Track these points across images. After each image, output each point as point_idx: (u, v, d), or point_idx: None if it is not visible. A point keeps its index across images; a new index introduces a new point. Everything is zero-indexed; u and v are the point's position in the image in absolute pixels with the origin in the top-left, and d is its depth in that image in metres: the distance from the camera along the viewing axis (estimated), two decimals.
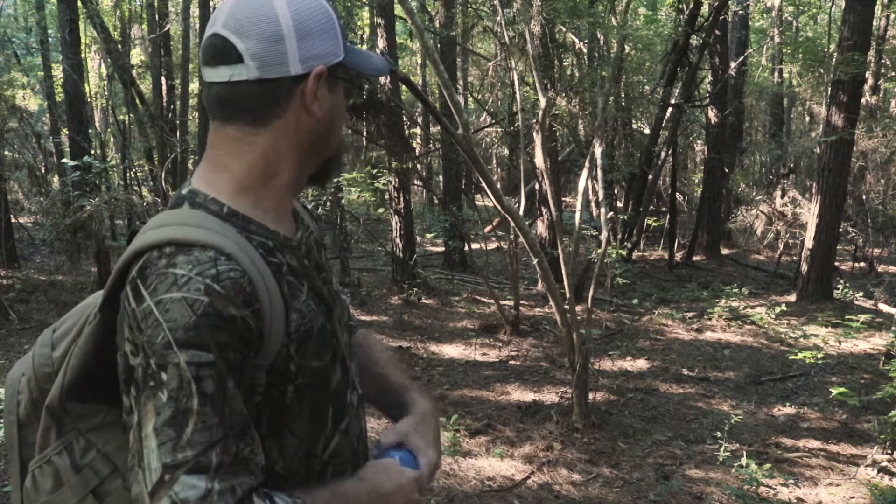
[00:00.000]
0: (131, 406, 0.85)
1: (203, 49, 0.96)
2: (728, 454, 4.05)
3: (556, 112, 7.75)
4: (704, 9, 10.43)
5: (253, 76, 0.92)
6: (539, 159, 5.95)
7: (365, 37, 14.40)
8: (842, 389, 4.50)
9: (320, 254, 1.10)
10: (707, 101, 12.54)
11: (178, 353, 0.82)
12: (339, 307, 1.10)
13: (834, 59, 9.40)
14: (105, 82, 16.60)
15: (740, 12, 13.96)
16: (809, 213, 9.45)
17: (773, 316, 7.72)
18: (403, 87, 9.82)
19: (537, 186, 9.44)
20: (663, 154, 11.48)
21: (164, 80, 15.25)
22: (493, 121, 11.54)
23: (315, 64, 0.94)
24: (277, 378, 0.92)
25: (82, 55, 10.96)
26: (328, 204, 9.62)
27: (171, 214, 0.93)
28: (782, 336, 7.21)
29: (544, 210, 9.00)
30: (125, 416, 0.86)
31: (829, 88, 9.76)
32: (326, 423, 1.00)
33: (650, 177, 11.39)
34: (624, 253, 9.79)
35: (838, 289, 9.13)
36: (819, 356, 5.59)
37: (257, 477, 0.86)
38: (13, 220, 9.63)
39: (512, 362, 6.25)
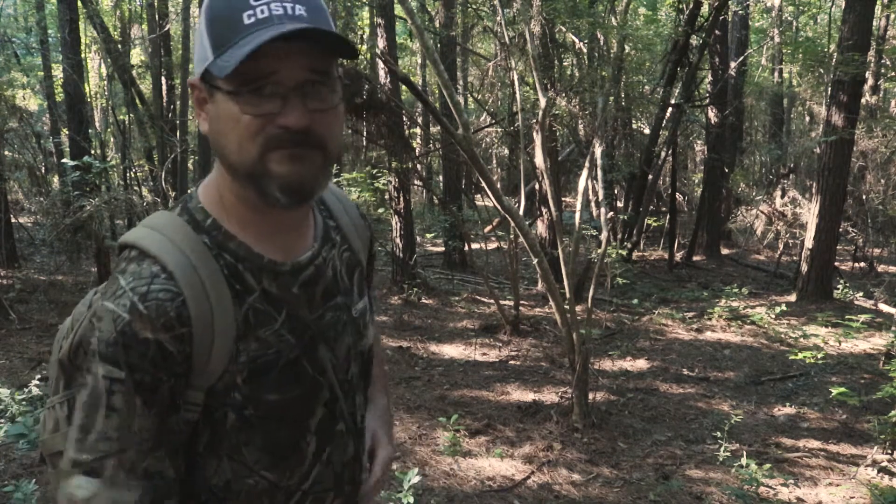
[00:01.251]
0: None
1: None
2: (728, 454, 4.05)
3: (556, 112, 7.75)
4: (704, 9, 10.42)
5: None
6: (539, 159, 5.95)
7: (365, 37, 14.38)
8: (842, 389, 4.50)
9: (342, 276, 1.04)
10: (707, 101, 12.54)
11: (98, 364, 0.85)
12: (348, 336, 1.04)
13: (834, 59, 9.40)
14: (105, 82, 16.60)
15: (740, 12, 13.96)
16: (809, 213, 9.45)
17: (773, 316, 7.71)
18: (403, 87, 9.82)
19: (537, 186, 9.44)
20: (663, 154, 11.48)
21: (164, 80, 15.25)
22: (493, 121, 11.54)
23: (195, 74, 0.91)
24: (216, 402, 0.92)
25: (82, 55, 10.96)
26: None
27: (158, 216, 0.95)
28: (782, 336, 7.21)
29: (544, 210, 9.00)
30: None
31: (829, 88, 9.76)
32: (302, 456, 0.99)
33: (650, 177, 11.39)
34: (624, 253, 9.79)
35: (838, 289, 9.13)
36: (819, 356, 5.60)
37: (160, 492, 0.87)
38: (13, 220, 9.63)
39: (512, 362, 6.25)
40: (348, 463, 1.06)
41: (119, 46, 14.07)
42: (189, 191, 0.98)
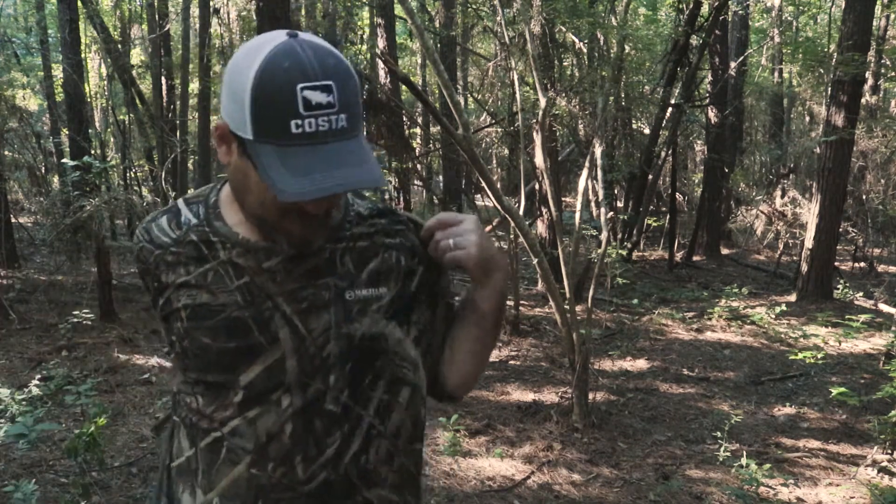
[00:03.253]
0: None
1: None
2: (728, 454, 4.05)
3: (556, 112, 7.75)
4: (704, 9, 10.43)
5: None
6: (539, 159, 5.95)
7: (365, 37, 14.39)
8: (842, 389, 4.50)
9: (341, 262, 1.12)
10: (707, 101, 12.55)
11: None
12: (327, 315, 1.09)
13: (834, 59, 9.40)
14: (105, 82, 16.60)
15: (740, 12, 13.97)
16: (809, 213, 9.45)
17: (773, 316, 7.71)
18: (403, 87, 9.82)
19: (537, 186, 9.44)
20: (663, 154, 11.49)
21: (164, 80, 15.24)
22: (493, 121, 11.54)
23: (224, 116, 0.99)
24: (168, 324, 1.13)
25: (82, 55, 10.96)
26: None
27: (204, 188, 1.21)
28: (782, 336, 7.21)
29: (544, 210, 9.01)
30: None
31: (829, 88, 9.77)
32: (226, 401, 1.08)
33: (650, 177, 11.39)
34: (624, 253, 9.79)
35: (838, 289, 9.12)
36: (819, 356, 5.59)
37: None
38: (13, 220, 9.62)
39: (512, 362, 6.25)
40: (307, 441, 1.08)
41: (119, 46, 14.06)
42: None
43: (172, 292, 1.10)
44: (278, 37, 0.95)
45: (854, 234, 11.32)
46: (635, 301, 8.76)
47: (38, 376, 4.72)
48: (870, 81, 13.00)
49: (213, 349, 1.08)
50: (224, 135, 1.00)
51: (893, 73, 14.57)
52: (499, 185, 5.00)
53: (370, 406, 1.12)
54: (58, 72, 14.21)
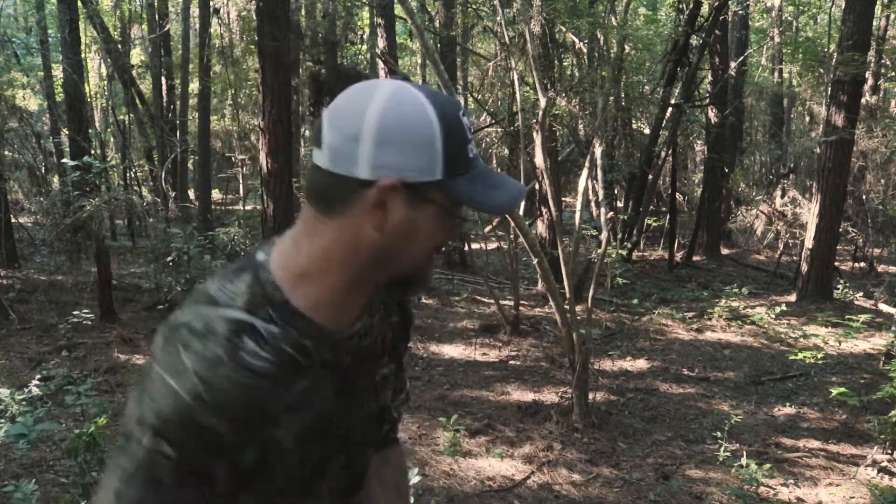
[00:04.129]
0: None
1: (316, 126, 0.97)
2: (728, 454, 4.05)
3: (556, 112, 7.75)
4: (704, 9, 10.43)
5: (325, 165, 0.89)
6: (539, 159, 5.95)
7: (365, 37, 14.39)
8: (842, 389, 4.50)
9: (378, 342, 1.05)
10: (707, 101, 12.55)
11: None
12: (370, 401, 1.05)
13: (834, 59, 9.40)
14: (105, 82, 16.61)
15: (740, 12, 13.97)
16: (809, 213, 9.45)
17: (773, 316, 7.71)
18: None
19: (537, 186, 9.44)
20: (663, 154, 11.49)
21: (164, 80, 15.24)
22: (493, 121, 11.53)
23: (386, 174, 0.87)
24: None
25: (82, 55, 10.96)
26: None
27: (234, 287, 0.92)
28: (782, 336, 7.21)
29: (544, 210, 9.01)
30: None
31: (829, 88, 9.77)
32: None
33: (650, 177, 11.39)
34: (624, 253, 9.79)
35: (838, 289, 9.12)
36: (819, 356, 5.60)
37: None
38: (13, 220, 9.63)
39: (512, 362, 6.25)
40: None
41: (119, 46, 14.06)
42: (258, 258, 0.96)
43: (273, 429, 0.90)
44: (394, 82, 0.91)
45: (854, 234, 11.32)
46: (635, 301, 8.76)
47: (38, 376, 4.72)
48: (870, 81, 12.99)
49: (304, 470, 0.95)
50: (387, 195, 0.87)
51: (893, 73, 14.57)
52: None
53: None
54: (58, 72, 14.20)
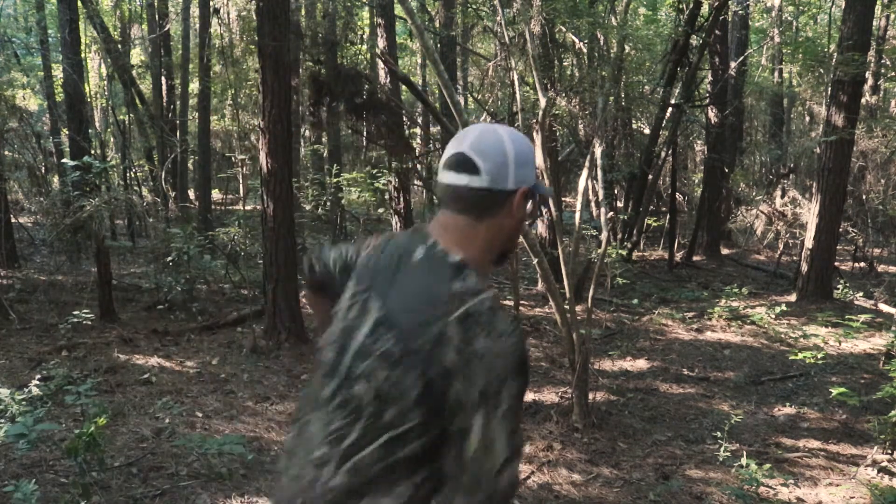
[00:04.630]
0: None
1: (450, 159, 1.34)
2: (728, 454, 4.05)
3: (556, 112, 7.74)
4: (704, 9, 10.43)
5: (484, 185, 1.31)
6: (539, 159, 5.95)
7: (365, 37, 14.38)
8: (842, 389, 4.50)
9: None
10: (707, 101, 12.54)
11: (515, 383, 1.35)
12: None
13: (834, 59, 9.40)
14: (105, 82, 16.60)
15: (740, 12, 13.97)
16: (809, 213, 9.45)
17: (773, 316, 7.71)
18: (403, 87, 9.82)
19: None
20: (663, 154, 11.49)
21: (164, 80, 15.22)
22: (493, 121, 11.53)
23: (522, 184, 1.34)
24: None
25: (82, 55, 10.96)
26: (328, 204, 9.62)
27: (469, 282, 1.28)
28: (782, 336, 7.21)
29: (544, 210, 9.00)
30: None
31: (829, 88, 9.76)
32: None
33: (650, 177, 11.39)
34: (624, 253, 9.79)
35: (838, 289, 9.12)
36: (819, 356, 5.59)
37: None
38: (13, 220, 9.62)
39: None
40: None
41: (119, 46, 14.05)
42: (455, 259, 1.31)
43: None
44: (503, 127, 1.38)
45: (854, 234, 11.32)
46: (635, 301, 8.75)
47: (38, 376, 4.72)
48: (870, 81, 13.00)
49: None
50: (522, 197, 1.34)
51: (893, 73, 14.56)
52: None
53: None
54: (58, 72, 14.19)
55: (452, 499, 1.19)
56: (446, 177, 1.33)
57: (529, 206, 1.37)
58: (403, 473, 1.23)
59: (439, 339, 1.20)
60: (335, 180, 9.81)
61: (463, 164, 1.31)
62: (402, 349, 1.23)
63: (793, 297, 9.17)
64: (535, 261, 4.46)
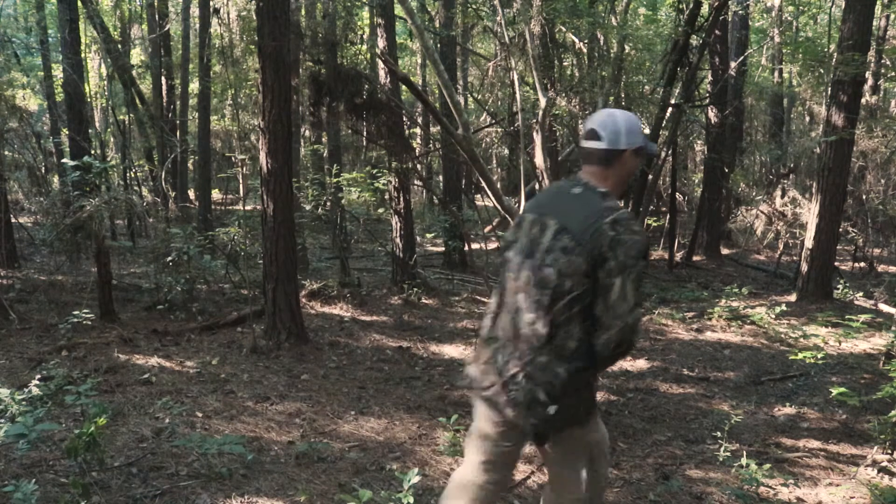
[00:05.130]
0: None
1: (585, 132, 2.24)
2: (728, 454, 4.05)
3: (556, 112, 7.75)
4: (704, 9, 10.42)
5: (604, 147, 2.20)
6: (539, 159, 5.96)
7: (365, 37, 14.39)
8: (842, 389, 4.50)
9: None
10: (707, 101, 12.54)
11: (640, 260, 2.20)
12: None
13: (834, 59, 9.40)
14: (105, 82, 16.60)
15: (740, 12, 13.96)
16: (809, 213, 9.45)
17: (773, 316, 7.71)
18: (403, 87, 9.82)
19: (537, 186, 9.43)
20: (663, 154, 11.47)
21: (164, 80, 15.23)
22: (493, 121, 11.54)
23: (632, 145, 2.22)
24: None
25: (82, 55, 10.95)
26: (328, 204, 9.63)
27: (612, 202, 2.16)
28: (782, 336, 7.21)
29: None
30: None
31: (829, 88, 9.77)
32: None
33: (650, 177, 11.38)
34: None
35: (838, 289, 9.12)
36: (819, 356, 5.59)
37: None
38: (13, 220, 9.63)
39: None
40: None
41: (119, 46, 14.06)
42: (599, 189, 2.20)
43: None
44: (617, 110, 2.25)
45: (854, 234, 11.32)
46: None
47: (38, 376, 4.72)
48: (870, 81, 13.00)
49: None
50: (631, 153, 2.22)
51: (893, 73, 14.56)
52: (499, 185, 4.99)
53: None
54: (58, 72, 14.20)
55: (604, 331, 2.05)
56: (585, 143, 2.23)
57: (636, 158, 2.23)
58: (577, 319, 2.09)
59: (598, 234, 2.04)
60: (335, 180, 9.81)
61: (593, 134, 2.21)
62: (575, 243, 2.07)
63: (793, 297, 9.17)
64: None
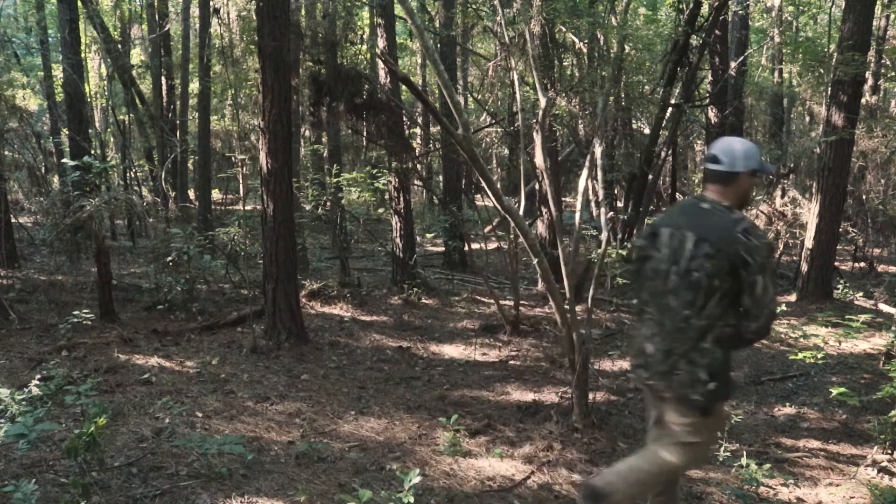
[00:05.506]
0: None
1: (707, 156, 2.73)
2: (728, 454, 4.05)
3: (556, 112, 7.75)
4: (704, 9, 10.42)
5: (724, 169, 2.66)
6: (539, 159, 5.96)
7: (365, 37, 14.38)
8: (842, 389, 4.50)
9: None
10: (707, 101, 12.53)
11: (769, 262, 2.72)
12: None
13: (834, 59, 9.40)
14: (105, 82, 16.60)
15: (740, 12, 13.95)
16: (809, 212, 9.45)
17: None
18: (403, 87, 9.82)
19: (537, 186, 9.43)
20: (663, 154, 11.47)
21: (164, 80, 15.22)
22: (493, 121, 11.53)
23: (747, 168, 2.65)
24: None
25: (82, 55, 10.95)
26: (328, 204, 9.62)
27: (738, 215, 2.61)
28: (782, 336, 7.21)
29: (544, 210, 9.00)
30: None
31: (829, 88, 9.76)
32: None
33: (650, 177, 11.37)
34: (624, 253, 9.77)
35: (838, 289, 9.12)
36: (819, 356, 5.59)
37: None
38: (13, 220, 9.62)
39: (512, 362, 6.25)
40: None
41: (119, 46, 14.05)
42: (724, 204, 2.66)
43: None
44: (736, 138, 2.72)
45: (854, 234, 11.31)
46: (635, 301, 8.74)
47: (38, 376, 4.72)
48: (870, 81, 12.99)
49: None
50: (748, 175, 2.65)
51: (893, 73, 14.56)
52: (499, 185, 5.00)
53: None
54: (58, 72, 14.20)
55: (753, 320, 2.54)
56: (708, 165, 2.70)
57: (752, 179, 2.67)
58: (728, 311, 2.57)
59: (734, 242, 2.51)
60: (335, 180, 9.81)
61: (714, 158, 2.68)
62: (715, 249, 2.53)
63: (793, 297, 9.16)
64: (535, 261, 4.45)
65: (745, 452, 4.06)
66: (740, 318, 2.58)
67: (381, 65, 8.73)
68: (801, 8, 17.42)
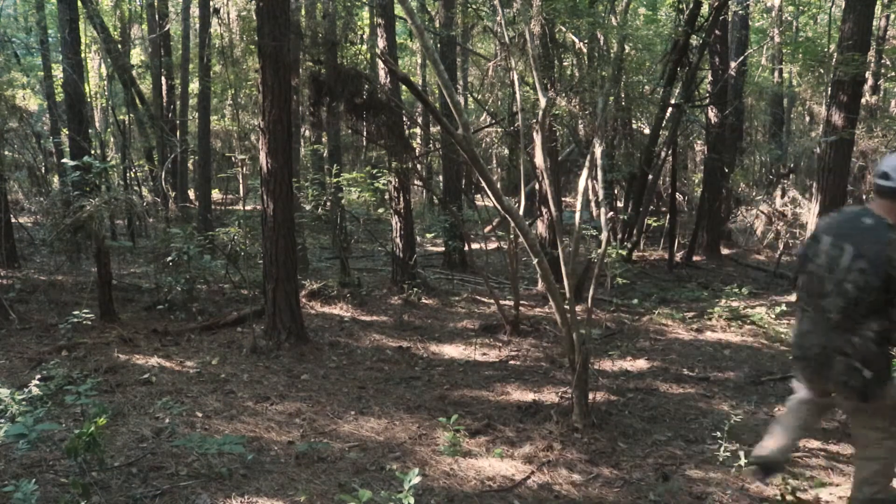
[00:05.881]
0: None
1: (877, 173, 2.91)
2: (728, 454, 4.05)
3: (556, 112, 7.75)
4: (704, 9, 10.43)
5: (892, 186, 2.84)
6: (539, 159, 5.96)
7: (365, 37, 14.39)
8: None
9: None
10: (707, 101, 12.54)
11: None
12: None
13: (834, 59, 9.40)
14: (105, 82, 16.60)
15: (740, 12, 13.96)
16: (809, 213, 9.46)
17: (773, 316, 7.71)
18: (403, 87, 9.82)
19: (537, 186, 9.44)
20: (663, 154, 11.48)
21: (164, 80, 15.23)
22: (493, 121, 11.54)
23: None
24: None
25: (82, 55, 10.95)
26: (328, 204, 9.62)
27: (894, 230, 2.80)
28: (782, 336, 7.21)
29: (544, 210, 9.01)
30: None
31: (829, 88, 9.77)
32: None
33: (650, 177, 11.39)
34: (624, 253, 9.79)
35: None
36: None
37: None
38: (13, 220, 9.63)
39: (512, 362, 6.25)
40: None
41: (119, 46, 14.05)
42: (889, 221, 2.81)
43: None
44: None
45: None
46: (635, 301, 8.75)
47: (38, 376, 4.72)
48: (870, 81, 13.00)
49: None
50: None
51: (893, 73, 14.57)
52: (499, 185, 5.00)
53: None
54: (58, 72, 14.20)
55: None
56: (877, 181, 2.87)
57: None
58: (876, 317, 2.80)
59: (888, 261, 2.71)
60: (335, 180, 9.81)
61: (884, 175, 2.85)
62: (870, 266, 2.75)
63: (793, 297, 9.16)
64: (535, 261, 4.45)
65: (744, 452, 4.06)
66: (886, 322, 2.82)
67: (381, 65, 8.73)
68: (801, 8, 17.43)
